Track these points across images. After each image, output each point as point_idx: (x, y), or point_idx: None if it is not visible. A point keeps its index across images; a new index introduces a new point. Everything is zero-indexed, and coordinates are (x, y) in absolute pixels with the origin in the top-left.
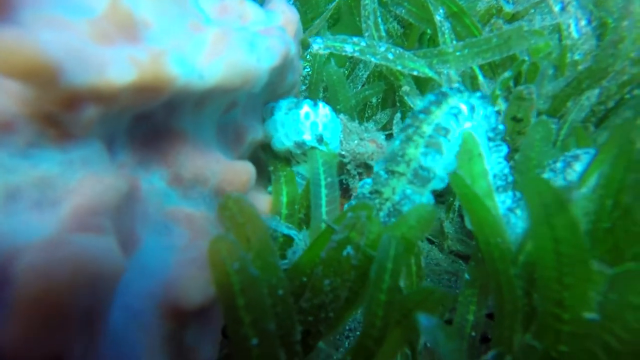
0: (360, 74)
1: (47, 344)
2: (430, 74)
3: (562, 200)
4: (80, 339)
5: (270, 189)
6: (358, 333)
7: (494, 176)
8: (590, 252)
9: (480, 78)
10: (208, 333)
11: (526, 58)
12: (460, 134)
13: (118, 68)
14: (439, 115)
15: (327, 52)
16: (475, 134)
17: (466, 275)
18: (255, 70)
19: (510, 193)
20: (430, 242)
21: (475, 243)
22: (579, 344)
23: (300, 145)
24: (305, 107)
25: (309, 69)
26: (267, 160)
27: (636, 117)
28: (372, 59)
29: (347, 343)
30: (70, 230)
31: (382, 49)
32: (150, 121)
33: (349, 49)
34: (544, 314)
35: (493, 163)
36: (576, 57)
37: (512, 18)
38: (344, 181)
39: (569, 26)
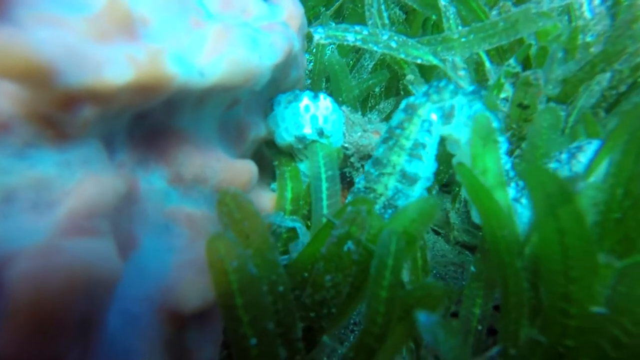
0: (366, 63)
1: (42, 352)
2: (434, 61)
3: (567, 191)
4: (76, 347)
5: (274, 185)
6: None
7: None
8: (599, 244)
9: (487, 64)
10: (208, 335)
11: (533, 42)
12: (436, 137)
13: (115, 67)
14: (414, 130)
15: (328, 41)
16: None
17: (472, 268)
18: (257, 68)
19: (513, 185)
20: (437, 233)
21: (482, 234)
22: (586, 339)
23: (301, 139)
24: (305, 100)
25: (312, 64)
26: (272, 155)
27: None
28: (375, 48)
29: (352, 337)
30: (66, 234)
31: (385, 37)
32: (149, 120)
33: (350, 38)
34: (550, 308)
35: None
36: (588, 39)
37: (520, 0)
38: (347, 174)
39: (581, 6)
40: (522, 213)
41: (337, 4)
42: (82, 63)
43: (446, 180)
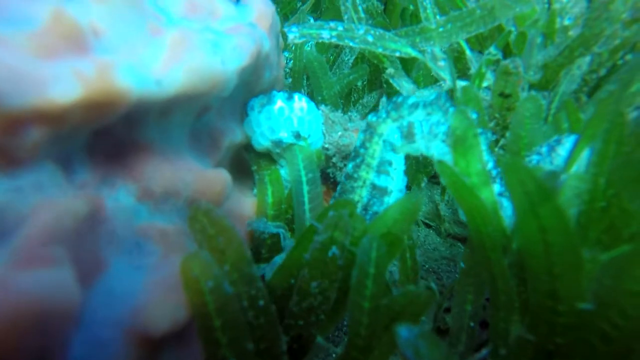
0: (347, 58)
1: None
2: (413, 53)
3: (546, 188)
4: None
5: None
6: None
7: None
8: (585, 234)
9: (468, 52)
10: (186, 357)
11: (512, 28)
12: (402, 155)
13: (61, 85)
14: (377, 149)
15: (302, 40)
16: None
17: (462, 264)
18: (221, 74)
19: (498, 180)
20: (428, 226)
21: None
22: (575, 335)
23: (278, 143)
24: (279, 102)
25: (291, 62)
26: (251, 160)
27: (622, 89)
28: (351, 44)
29: (346, 339)
30: (19, 265)
31: (361, 31)
32: (111, 136)
33: (325, 35)
34: (537, 306)
35: None
36: (566, 22)
37: None
38: (331, 174)
39: None
40: (509, 206)
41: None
42: (23, 82)
43: (435, 171)
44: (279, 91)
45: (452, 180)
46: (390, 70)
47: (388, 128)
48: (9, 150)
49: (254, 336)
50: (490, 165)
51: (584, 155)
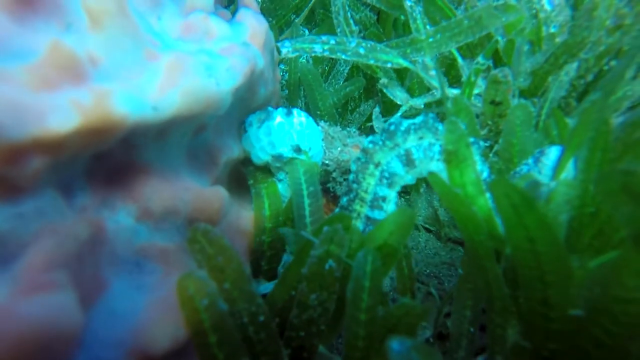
0: (342, 69)
1: None
2: (404, 64)
3: (531, 200)
4: None
5: None
6: None
7: None
8: (577, 239)
9: (459, 60)
10: None
11: (499, 38)
12: (397, 188)
13: (60, 115)
14: (371, 183)
15: (296, 55)
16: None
17: (460, 270)
18: (215, 95)
19: None
20: (428, 231)
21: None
22: (569, 341)
23: (278, 158)
24: (278, 118)
25: (287, 75)
26: (247, 174)
27: (605, 98)
28: (343, 57)
29: None
30: (22, 292)
31: (353, 44)
32: (109, 159)
33: (318, 49)
34: (531, 313)
35: None
36: (552, 30)
37: None
38: (331, 189)
39: None
40: None
41: (306, 10)
42: (23, 114)
43: None
44: (276, 104)
45: (443, 192)
46: (383, 81)
47: (385, 157)
48: (11, 179)
49: (255, 351)
50: (485, 174)
51: (571, 163)
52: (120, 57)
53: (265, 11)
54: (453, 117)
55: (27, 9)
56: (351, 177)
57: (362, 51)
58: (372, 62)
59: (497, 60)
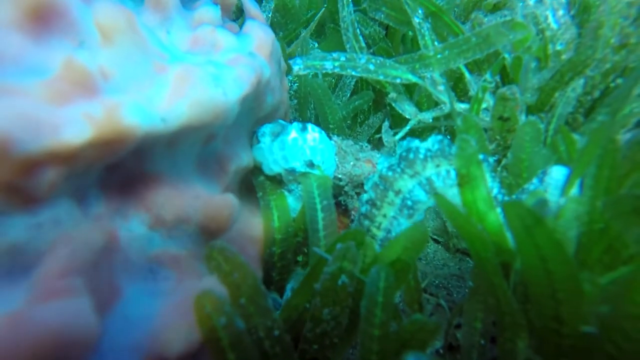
0: (348, 81)
1: None
2: (413, 79)
3: (542, 221)
4: None
5: None
6: None
7: None
8: (588, 255)
9: (467, 75)
10: None
11: (506, 55)
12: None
13: (73, 127)
14: (389, 214)
15: (307, 72)
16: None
17: (470, 282)
18: (223, 104)
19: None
20: (436, 242)
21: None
22: (582, 357)
23: (291, 172)
24: (293, 133)
25: (297, 84)
26: (257, 185)
27: (612, 117)
28: (353, 73)
29: None
30: (40, 298)
31: (363, 60)
32: (122, 169)
33: (328, 66)
34: (543, 329)
35: None
36: (558, 47)
37: (494, 8)
38: (342, 202)
39: (546, 18)
40: None
41: (312, 25)
42: (38, 128)
43: None
44: (284, 113)
45: (449, 212)
46: (392, 95)
47: (407, 185)
48: (29, 190)
49: None
50: (495, 191)
51: (577, 181)
52: (130, 70)
53: (275, 25)
54: (464, 134)
55: (43, 29)
56: (363, 209)
57: (371, 67)
58: (381, 77)
59: (504, 75)
